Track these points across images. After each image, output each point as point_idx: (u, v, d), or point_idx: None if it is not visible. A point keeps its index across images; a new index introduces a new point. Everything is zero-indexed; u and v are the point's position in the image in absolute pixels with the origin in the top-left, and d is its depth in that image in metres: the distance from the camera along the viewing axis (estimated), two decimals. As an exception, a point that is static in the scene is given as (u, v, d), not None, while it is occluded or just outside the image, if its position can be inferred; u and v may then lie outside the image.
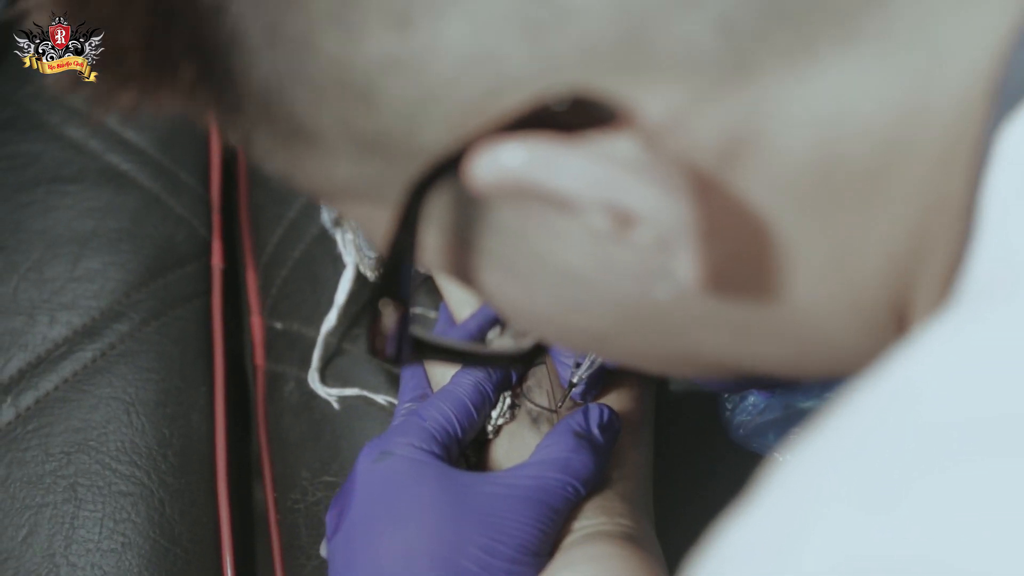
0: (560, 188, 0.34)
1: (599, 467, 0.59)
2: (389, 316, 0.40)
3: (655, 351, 0.42)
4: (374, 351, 0.41)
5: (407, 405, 0.65)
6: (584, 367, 0.62)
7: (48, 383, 0.76)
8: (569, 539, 0.59)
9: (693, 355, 0.42)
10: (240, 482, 0.77)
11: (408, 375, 0.68)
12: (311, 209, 0.80)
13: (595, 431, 0.60)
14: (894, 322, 0.39)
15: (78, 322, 0.78)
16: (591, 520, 0.59)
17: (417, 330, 0.42)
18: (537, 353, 0.49)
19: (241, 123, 0.39)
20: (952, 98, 0.34)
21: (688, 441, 0.71)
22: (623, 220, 0.35)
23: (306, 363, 0.75)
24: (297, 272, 0.80)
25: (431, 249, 0.40)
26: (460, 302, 0.69)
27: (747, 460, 0.69)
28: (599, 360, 0.62)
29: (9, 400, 0.75)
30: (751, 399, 0.69)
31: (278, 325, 0.79)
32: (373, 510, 0.57)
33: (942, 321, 0.32)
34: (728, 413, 0.70)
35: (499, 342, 0.63)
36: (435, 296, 0.73)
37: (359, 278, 0.75)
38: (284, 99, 0.37)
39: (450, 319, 0.69)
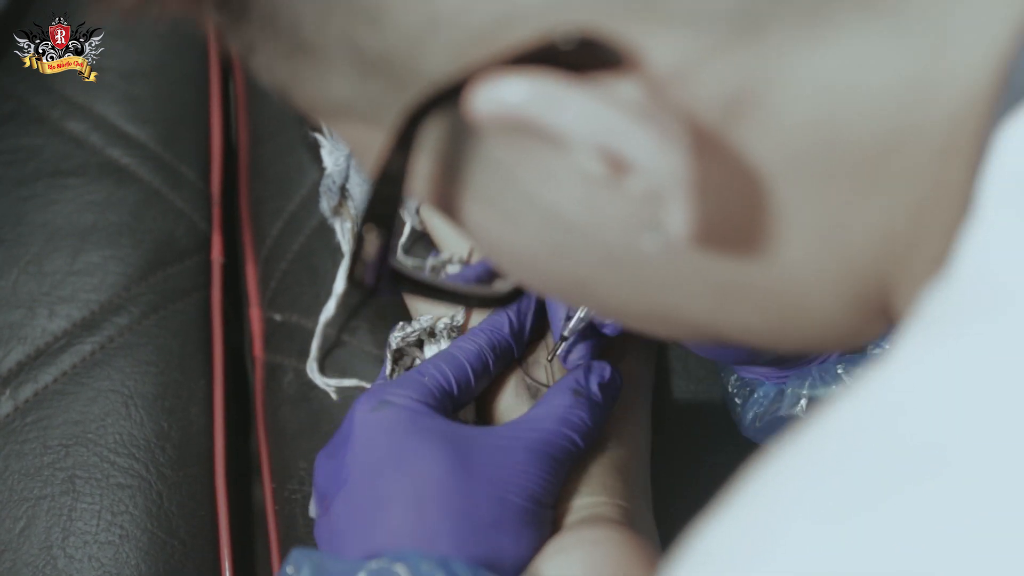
0: (558, 126, 0.34)
1: (596, 423, 0.59)
2: (372, 244, 0.39)
3: (635, 305, 0.42)
4: (354, 280, 0.40)
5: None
6: (575, 320, 0.61)
7: (47, 376, 0.76)
8: (568, 519, 0.58)
9: (673, 313, 0.41)
10: (238, 475, 0.77)
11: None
12: (311, 202, 0.80)
13: (594, 388, 0.59)
14: (879, 303, 0.38)
15: (77, 315, 0.78)
16: (590, 499, 0.59)
17: (397, 261, 0.42)
18: (514, 297, 0.48)
19: (244, 32, 0.38)
20: (959, 87, 0.34)
21: (691, 435, 0.71)
22: (617, 166, 0.34)
23: (305, 354, 0.75)
24: (296, 264, 0.80)
25: (421, 177, 0.39)
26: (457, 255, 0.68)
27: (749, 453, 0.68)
28: (590, 314, 0.61)
29: (8, 393, 0.75)
30: (759, 392, 0.68)
31: (277, 317, 0.79)
32: (376, 458, 0.56)
33: (921, 335, 0.32)
34: (739, 409, 0.69)
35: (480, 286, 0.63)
36: (432, 248, 0.72)
37: (358, 269, 0.74)
38: (291, 10, 0.36)
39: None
